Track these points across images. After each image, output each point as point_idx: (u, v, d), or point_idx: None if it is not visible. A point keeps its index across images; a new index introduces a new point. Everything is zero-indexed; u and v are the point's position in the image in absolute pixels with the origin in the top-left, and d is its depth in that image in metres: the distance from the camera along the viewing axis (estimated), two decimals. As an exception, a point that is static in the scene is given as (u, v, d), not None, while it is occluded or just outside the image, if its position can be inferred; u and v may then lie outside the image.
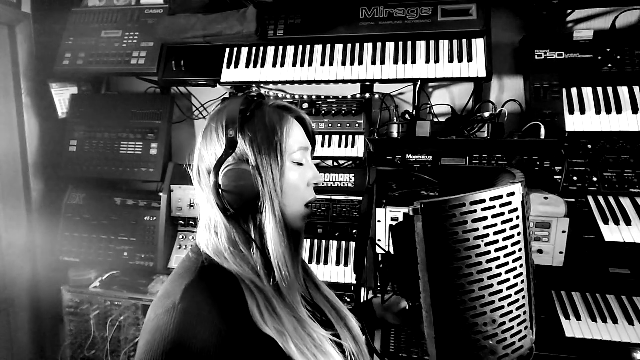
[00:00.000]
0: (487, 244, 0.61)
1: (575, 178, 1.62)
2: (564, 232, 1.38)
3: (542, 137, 1.48)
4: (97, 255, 2.02)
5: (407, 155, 1.59)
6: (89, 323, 1.94)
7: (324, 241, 1.87)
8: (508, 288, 0.63)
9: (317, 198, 0.84)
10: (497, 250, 0.62)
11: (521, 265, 0.65)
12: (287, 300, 0.75)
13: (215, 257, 0.74)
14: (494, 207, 0.61)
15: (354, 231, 1.84)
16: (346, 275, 1.77)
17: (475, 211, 0.60)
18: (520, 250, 0.65)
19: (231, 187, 0.71)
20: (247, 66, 1.86)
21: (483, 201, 0.61)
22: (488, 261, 0.61)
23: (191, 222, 2.01)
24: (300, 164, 0.79)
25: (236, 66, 1.87)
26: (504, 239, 0.62)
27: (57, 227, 2.09)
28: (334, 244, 1.86)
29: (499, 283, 0.62)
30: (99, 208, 2.08)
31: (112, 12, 2.06)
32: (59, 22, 2.10)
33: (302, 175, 0.78)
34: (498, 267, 0.62)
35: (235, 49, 1.90)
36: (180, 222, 2.03)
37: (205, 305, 0.67)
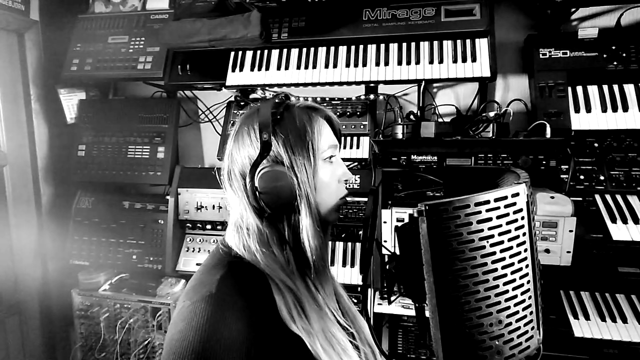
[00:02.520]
0: (492, 245, 0.61)
1: (582, 177, 1.61)
2: (571, 231, 1.37)
3: (548, 136, 1.47)
4: (106, 259, 2.04)
5: (412, 156, 1.59)
6: (99, 326, 1.97)
7: (330, 242, 1.87)
8: (514, 288, 0.63)
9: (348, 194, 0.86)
10: (502, 250, 0.62)
11: (527, 266, 0.65)
12: (317, 298, 0.77)
13: (245, 254, 0.75)
14: (498, 207, 0.61)
15: (360, 232, 1.85)
16: (352, 276, 1.78)
17: (480, 212, 0.60)
18: (525, 250, 0.65)
19: (268, 188, 0.73)
20: (252, 69, 1.87)
21: (487, 202, 0.61)
22: (493, 262, 0.61)
23: (198, 225, 2.02)
24: (330, 162, 0.81)
25: (241, 69, 1.88)
26: (509, 240, 0.62)
27: (67, 231, 2.12)
28: (339, 245, 1.87)
29: (505, 283, 0.62)
30: (107, 212, 2.10)
31: (118, 18, 2.08)
32: (66, 28, 2.12)
33: (333, 172, 0.81)
34: (503, 267, 0.62)
35: (240, 53, 1.91)
36: (188, 224, 2.05)
37: (239, 297, 0.68)
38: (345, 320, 0.88)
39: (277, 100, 0.80)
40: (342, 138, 0.94)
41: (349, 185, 0.84)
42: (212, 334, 0.62)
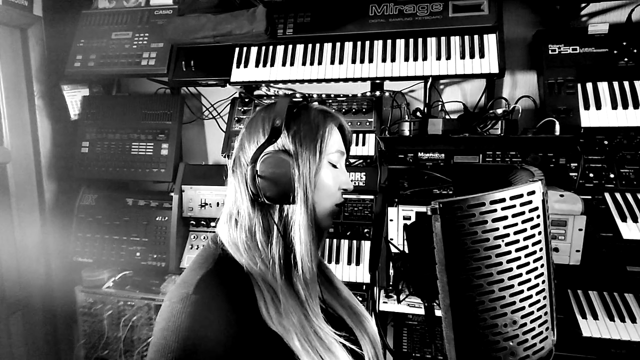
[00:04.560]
0: (507, 244, 0.59)
1: (591, 175, 1.59)
2: (580, 230, 1.36)
3: (557, 133, 1.45)
4: (109, 256, 2.03)
5: (419, 153, 1.57)
6: (102, 323, 1.96)
7: (335, 240, 1.86)
8: (529, 288, 0.61)
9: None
10: (517, 250, 0.60)
11: (542, 265, 0.63)
12: (299, 295, 0.75)
13: (230, 249, 0.75)
14: (514, 206, 0.60)
15: (365, 230, 1.83)
16: (357, 274, 1.76)
17: (495, 210, 0.59)
18: (540, 249, 0.63)
19: (267, 173, 0.73)
20: (257, 65, 1.85)
21: (503, 200, 0.59)
22: (508, 261, 0.60)
23: (202, 222, 2.01)
24: (335, 166, 0.81)
25: (246, 65, 1.87)
26: (525, 239, 0.61)
27: (70, 228, 2.11)
28: (345, 243, 1.85)
29: (520, 283, 0.61)
30: (111, 209, 2.09)
31: (121, 13, 2.07)
32: (69, 24, 2.11)
33: (335, 177, 0.80)
34: (518, 267, 0.60)
35: (245, 49, 1.89)
36: (192, 222, 2.04)
37: (217, 297, 0.68)
38: (347, 316, 0.87)
39: (295, 98, 0.80)
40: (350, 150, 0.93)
41: (347, 193, 0.83)
42: (189, 334, 0.63)
